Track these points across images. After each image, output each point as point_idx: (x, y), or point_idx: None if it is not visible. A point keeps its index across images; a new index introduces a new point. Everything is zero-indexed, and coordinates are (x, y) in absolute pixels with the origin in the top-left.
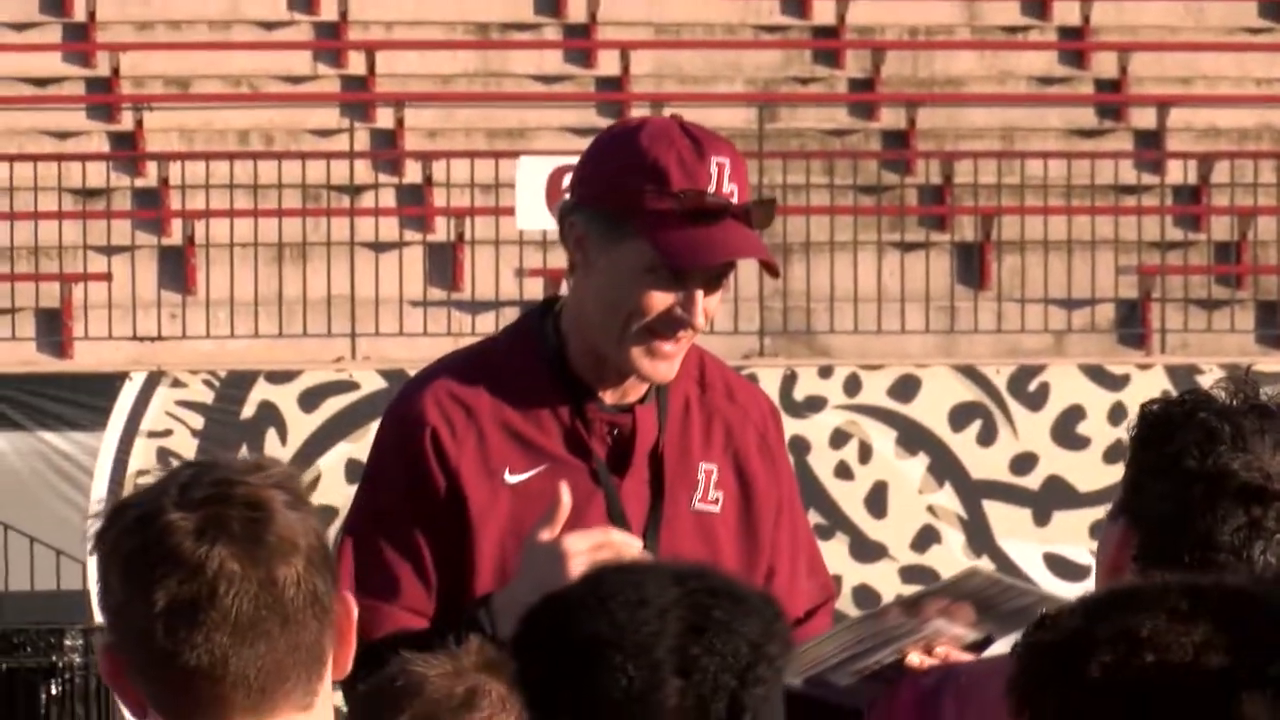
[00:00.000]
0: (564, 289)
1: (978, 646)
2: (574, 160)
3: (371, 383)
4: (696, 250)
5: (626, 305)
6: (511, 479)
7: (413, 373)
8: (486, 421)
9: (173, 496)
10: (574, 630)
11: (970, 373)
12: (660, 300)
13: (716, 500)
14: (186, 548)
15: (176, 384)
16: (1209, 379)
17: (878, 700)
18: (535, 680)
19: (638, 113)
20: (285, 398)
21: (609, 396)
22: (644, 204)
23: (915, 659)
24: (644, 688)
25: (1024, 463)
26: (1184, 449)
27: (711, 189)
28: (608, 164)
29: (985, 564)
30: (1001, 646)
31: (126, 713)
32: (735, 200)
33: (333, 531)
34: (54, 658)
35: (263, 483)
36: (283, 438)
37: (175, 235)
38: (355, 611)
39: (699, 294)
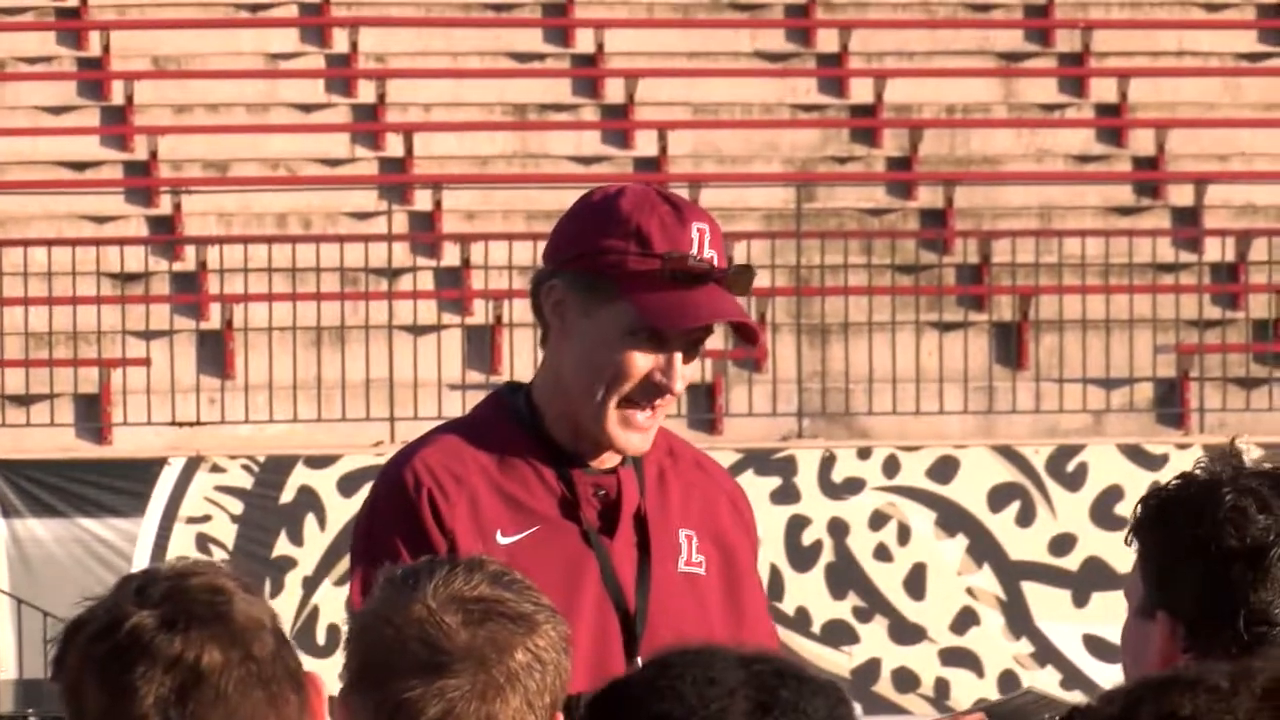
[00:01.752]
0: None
1: None
2: None
3: None
4: (680, 312)
5: (607, 369)
6: (504, 540)
7: None
8: (477, 485)
9: (131, 599)
10: (645, 710)
11: (1009, 453)
12: (641, 363)
13: (700, 564)
14: (161, 641)
15: (215, 469)
16: (1249, 458)
17: None
18: None
19: (677, 192)
20: (324, 482)
21: (590, 461)
22: (626, 266)
23: None
24: None
25: (1063, 543)
26: (1218, 529)
27: (694, 252)
28: (588, 229)
29: (1043, 684)
30: None
31: None
32: (716, 265)
33: None
34: None
35: (215, 573)
36: (321, 523)
37: (214, 319)
38: (325, 691)
39: (677, 359)
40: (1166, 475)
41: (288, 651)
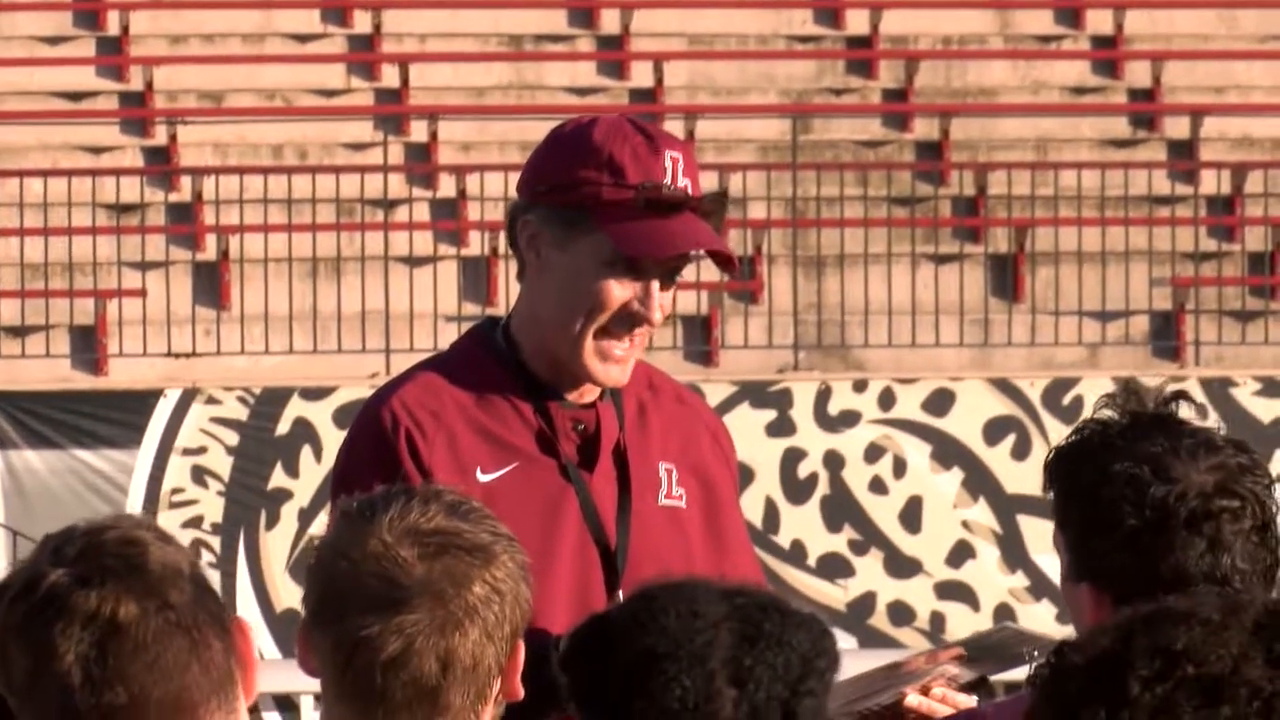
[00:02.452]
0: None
1: (973, 686)
2: None
3: None
4: (655, 241)
5: (585, 300)
6: (484, 477)
7: None
8: (455, 423)
9: (48, 559)
10: (628, 644)
11: (1004, 386)
12: (618, 293)
13: (681, 497)
14: (77, 598)
15: (211, 401)
16: (1244, 391)
17: None
18: (590, 694)
19: (672, 125)
20: (320, 414)
21: (568, 396)
22: (601, 197)
23: (914, 699)
24: (699, 698)
25: None
26: (1116, 508)
27: (667, 181)
28: (561, 161)
29: (1038, 617)
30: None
31: None
32: (690, 193)
33: None
34: None
35: (131, 525)
36: (317, 454)
37: (209, 251)
38: (251, 634)
39: (655, 286)
40: None
41: (210, 597)
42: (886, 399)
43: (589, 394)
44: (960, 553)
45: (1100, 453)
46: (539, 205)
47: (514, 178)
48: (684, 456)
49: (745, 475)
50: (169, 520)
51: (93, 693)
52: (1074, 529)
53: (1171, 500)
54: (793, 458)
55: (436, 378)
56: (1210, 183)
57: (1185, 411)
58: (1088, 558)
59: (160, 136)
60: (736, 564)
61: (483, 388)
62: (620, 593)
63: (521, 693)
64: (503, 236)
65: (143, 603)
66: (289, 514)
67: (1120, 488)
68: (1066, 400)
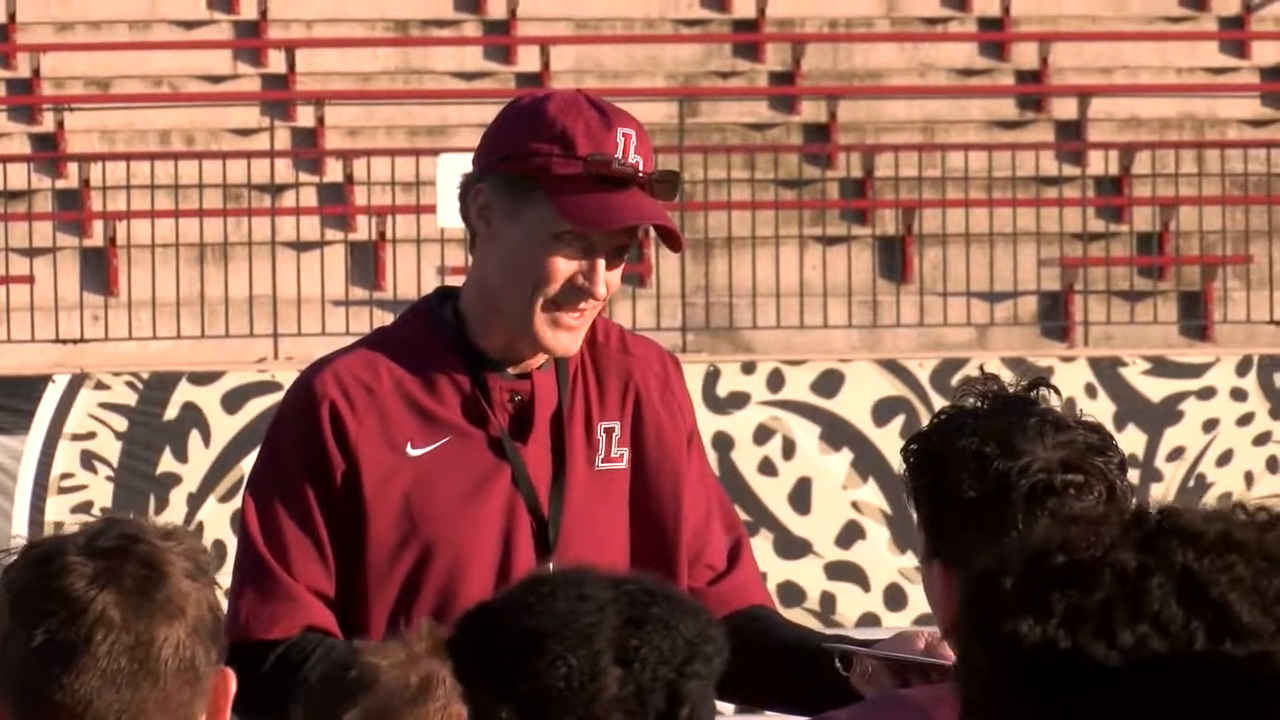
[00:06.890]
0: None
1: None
2: None
3: None
4: (601, 214)
5: (532, 272)
6: (414, 452)
7: None
8: (388, 398)
9: (78, 542)
10: (515, 624)
11: (893, 367)
12: (564, 267)
13: (621, 457)
14: (76, 589)
15: (99, 386)
16: (1133, 370)
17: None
18: (476, 676)
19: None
20: (208, 399)
21: (510, 367)
22: (551, 169)
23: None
24: (584, 677)
25: None
26: (958, 481)
27: (618, 156)
28: (515, 132)
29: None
30: None
31: None
32: (641, 170)
33: None
34: None
35: (168, 547)
36: (205, 439)
37: (97, 237)
38: (234, 687)
39: (601, 263)
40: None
41: (200, 643)
42: (775, 380)
43: (532, 364)
44: (850, 533)
45: (950, 432)
46: (491, 174)
47: (401, 162)
48: (626, 409)
49: None
50: (58, 506)
51: (44, 684)
52: (924, 508)
53: (1014, 474)
54: None
55: (375, 352)
56: (1098, 163)
57: (1050, 398)
58: (938, 537)
59: (47, 123)
60: (695, 510)
61: (422, 362)
62: (552, 564)
63: None
64: (389, 221)
65: (127, 623)
66: (178, 499)
67: (964, 461)
68: (955, 381)
